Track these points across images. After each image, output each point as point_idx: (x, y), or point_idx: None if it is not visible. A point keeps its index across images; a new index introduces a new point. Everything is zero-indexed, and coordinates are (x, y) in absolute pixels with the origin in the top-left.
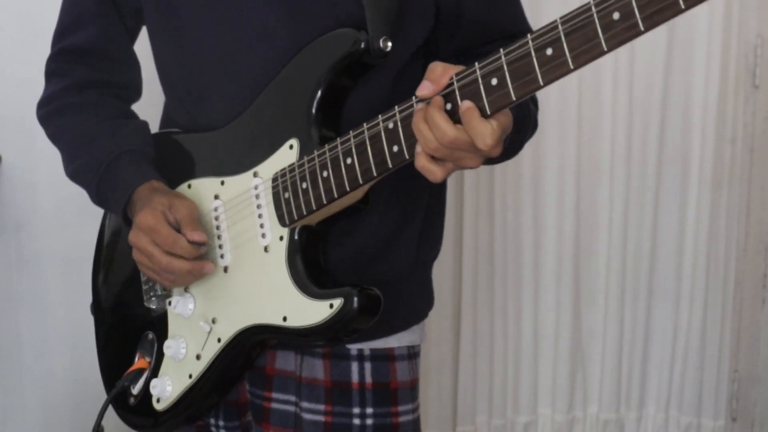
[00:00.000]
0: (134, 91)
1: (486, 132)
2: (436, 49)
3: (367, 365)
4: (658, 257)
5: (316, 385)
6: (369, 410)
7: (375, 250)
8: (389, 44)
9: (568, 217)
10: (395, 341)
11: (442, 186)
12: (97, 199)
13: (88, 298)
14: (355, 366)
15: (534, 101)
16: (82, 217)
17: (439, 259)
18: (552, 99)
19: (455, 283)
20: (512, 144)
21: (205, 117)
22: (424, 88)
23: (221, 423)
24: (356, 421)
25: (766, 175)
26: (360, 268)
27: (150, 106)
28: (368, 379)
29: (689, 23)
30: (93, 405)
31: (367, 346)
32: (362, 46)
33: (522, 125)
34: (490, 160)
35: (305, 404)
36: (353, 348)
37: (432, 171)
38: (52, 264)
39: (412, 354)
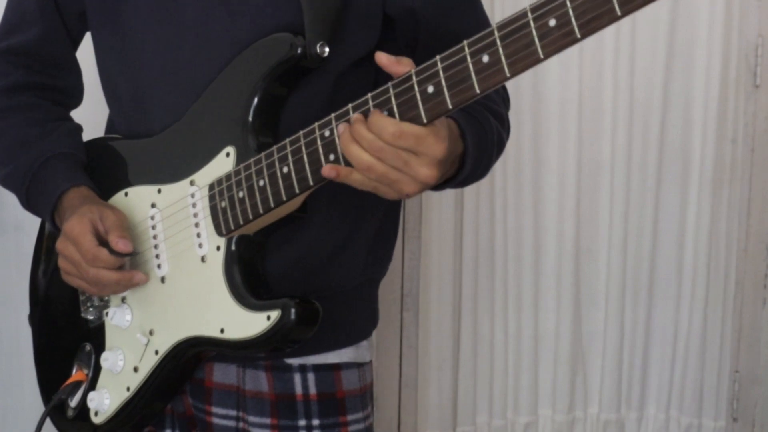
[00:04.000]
0: (73, 96)
1: (387, 122)
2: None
3: (310, 376)
4: (659, 257)
5: (262, 398)
6: (315, 422)
7: (317, 262)
8: (326, 49)
9: (568, 217)
10: (336, 357)
11: (396, 205)
12: (27, 205)
13: None
14: (297, 378)
15: (500, 119)
16: None
17: (439, 259)
18: (552, 99)
19: (455, 283)
20: (476, 167)
21: (146, 125)
22: (383, 56)
23: None
24: None
25: (767, 175)
26: (301, 280)
27: (94, 112)
28: (312, 390)
29: (690, 23)
30: None
31: (308, 361)
32: (299, 51)
33: (482, 147)
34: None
35: (252, 418)
36: (295, 362)
37: (354, 179)
38: None
39: (360, 363)
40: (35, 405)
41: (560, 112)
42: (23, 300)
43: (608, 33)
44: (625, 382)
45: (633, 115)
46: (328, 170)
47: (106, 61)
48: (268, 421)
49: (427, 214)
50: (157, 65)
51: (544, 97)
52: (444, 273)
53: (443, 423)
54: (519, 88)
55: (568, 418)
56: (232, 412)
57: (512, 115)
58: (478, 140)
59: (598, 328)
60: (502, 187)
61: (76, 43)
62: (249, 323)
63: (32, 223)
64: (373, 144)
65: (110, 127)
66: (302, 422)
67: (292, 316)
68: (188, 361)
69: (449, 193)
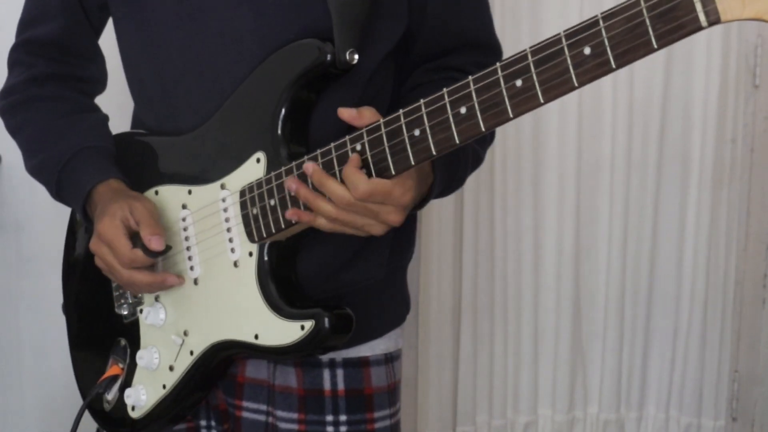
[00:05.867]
0: (98, 84)
1: (359, 180)
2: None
3: (339, 372)
4: (659, 257)
5: (290, 393)
6: (342, 417)
7: (345, 258)
8: (356, 57)
9: (568, 217)
10: (368, 350)
11: None
12: (57, 196)
13: None
14: (327, 374)
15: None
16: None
17: (439, 259)
18: None
19: (455, 283)
20: (451, 181)
21: (174, 121)
22: (346, 112)
23: (213, 423)
24: (330, 429)
25: (767, 175)
26: (330, 278)
27: (121, 103)
28: (340, 386)
29: None
30: None
31: (339, 356)
32: (327, 58)
33: (457, 163)
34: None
35: (280, 413)
36: (325, 357)
37: (320, 224)
38: (52, 264)
39: (390, 358)
40: (35, 405)
41: (560, 111)
42: (23, 300)
43: None
44: (624, 382)
45: (633, 115)
46: (290, 214)
47: (131, 54)
48: (295, 415)
49: (427, 214)
50: (182, 61)
51: None
52: (444, 273)
53: (443, 423)
54: None
55: (567, 418)
56: (263, 407)
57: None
58: (447, 176)
59: (598, 328)
60: (502, 186)
61: (98, 32)
62: (283, 331)
63: (32, 223)
64: (342, 199)
65: (136, 119)
66: (330, 417)
67: (326, 325)
68: (222, 361)
69: None
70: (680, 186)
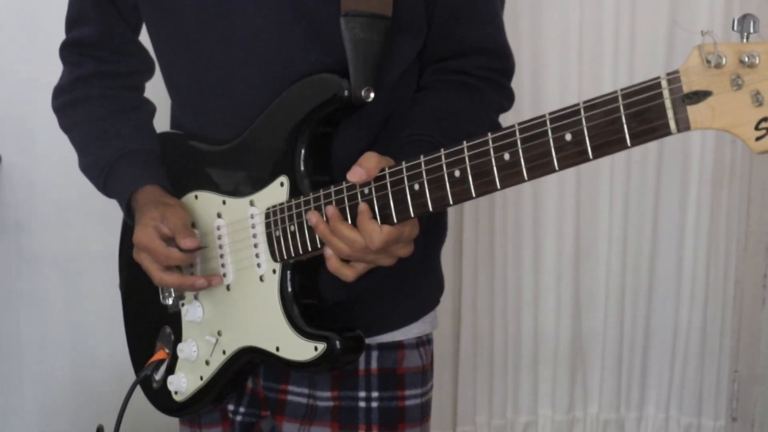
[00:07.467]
0: (143, 73)
1: (374, 232)
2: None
3: (374, 353)
4: (658, 257)
5: (326, 375)
6: (374, 394)
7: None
8: (371, 95)
9: (568, 217)
10: (402, 334)
11: None
12: (108, 196)
13: (88, 298)
14: (362, 356)
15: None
16: (82, 217)
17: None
18: (552, 98)
19: (455, 283)
20: None
21: (211, 126)
22: (356, 174)
23: (241, 410)
24: (362, 404)
25: (767, 174)
26: (347, 284)
27: (159, 99)
28: (374, 365)
29: (689, 22)
30: (92, 405)
31: (374, 341)
32: (345, 93)
33: None
34: None
35: (318, 393)
36: None
37: (344, 274)
38: (52, 264)
39: (423, 342)
40: (35, 405)
41: None
42: (23, 300)
43: (608, 32)
44: (624, 382)
45: None
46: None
47: (163, 58)
48: (328, 394)
49: None
50: (214, 69)
51: (544, 97)
52: (444, 273)
53: (443, 422)
54: (519, 87)
55: (567, 418)
56: (305, 390)
57: (512, 116)
58: None
59: (598, 328)
60: None
61: (137, 28)
62: (300, 349)
63: (32, 223)
64: (355, 244)
65: (174, 117)
66: (362, 394)
67: (337, 347)
68: (252, 360)
69: None
70: (680, 186)
